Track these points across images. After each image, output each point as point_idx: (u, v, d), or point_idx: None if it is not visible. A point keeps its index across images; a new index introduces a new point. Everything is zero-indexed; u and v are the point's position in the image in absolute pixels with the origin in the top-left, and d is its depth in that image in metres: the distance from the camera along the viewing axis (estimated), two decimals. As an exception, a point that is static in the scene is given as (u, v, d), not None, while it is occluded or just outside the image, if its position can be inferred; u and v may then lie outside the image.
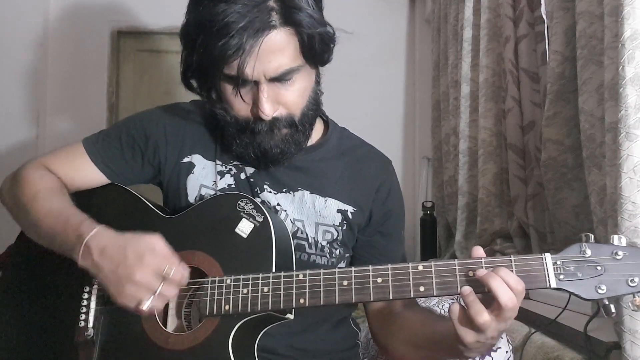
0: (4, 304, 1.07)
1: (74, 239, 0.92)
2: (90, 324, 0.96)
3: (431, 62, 2.91)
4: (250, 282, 0.89)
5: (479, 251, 0.83)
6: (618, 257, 0.77)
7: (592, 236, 0.80)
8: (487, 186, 2.04)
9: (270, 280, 0.88)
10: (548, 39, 1.64)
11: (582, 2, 1.30)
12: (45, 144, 2.94)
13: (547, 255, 0.79)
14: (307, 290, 0.86)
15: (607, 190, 1.13)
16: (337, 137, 1.14)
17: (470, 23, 2.22)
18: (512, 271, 0.78)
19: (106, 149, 1.09)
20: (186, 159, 1.08)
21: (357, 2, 3.12)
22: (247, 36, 0.87)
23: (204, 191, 1.06)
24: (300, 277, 0.87)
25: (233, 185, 1.06)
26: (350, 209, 1.08)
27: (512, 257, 0.80)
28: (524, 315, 1.36)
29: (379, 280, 0.84)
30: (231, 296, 0.89)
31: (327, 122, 1.14)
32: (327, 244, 1.06)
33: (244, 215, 0.95)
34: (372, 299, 0.84)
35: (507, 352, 0.99)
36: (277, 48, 0.90)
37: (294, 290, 0.87)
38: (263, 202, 1.04)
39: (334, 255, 1.07)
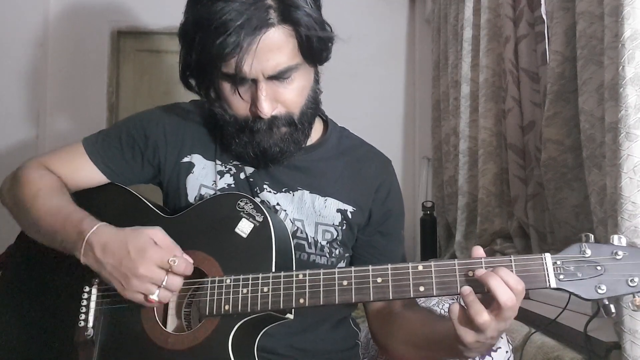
0: (4, 304, 1.07)
1: (75, 236, 0.92)
2: (90, 324, 0.96)
3: (431, 62, 2.91)
4: (250, 282, 0.89)
5: (478, 251, 0.83)
6: (618, 257, 0.77)
7: (592, 236, 0.80)
8: (487, 186, 2.04)
9: (270, 280, 0.88)
10: (548, 39, 1.64)
11: (582, 2, 1.30)
12: (45, 144, 2.94)
13: (547, 255, 0.79)
14: (307, 290, 0.86)
15: (607, 190, 1.13)
16: (336, 137, 1.14)
17: (470, 23, 2.23)
18: (512, 271, 0.78)
19: (106, 149, 1.09)
20: (186, 159, 1.08)
21: (357, 2, 3.12)
22: (244, 34, 0.87)
23: (203, 191, 1.06)
24: (300, 277, 0.87)
25: (233, 185, 1.06)
26: (349, 208, 1.08)
27: (512, 257, 0.80)
28: (524, 315, 1.36)
29: (379, 280, 0.84)
30: (231, 296, 0.89)
31: (326, 121, 1.14)
32: (326, 243, 1.06)
33: (244, 215, 0.95)
34: (371, 299, 0.84)
35: (507, 352, 0.99)
36: (275, 46, 0.90)
37: (294, 290, 0.87)
38: (263, 201, 1.04)
39: (333, 255, 1.07)
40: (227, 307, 0.89)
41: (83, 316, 0.97)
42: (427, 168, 3.06)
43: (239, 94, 0.94)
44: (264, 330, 0.94)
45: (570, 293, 0.78)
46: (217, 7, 0.87)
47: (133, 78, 3.16)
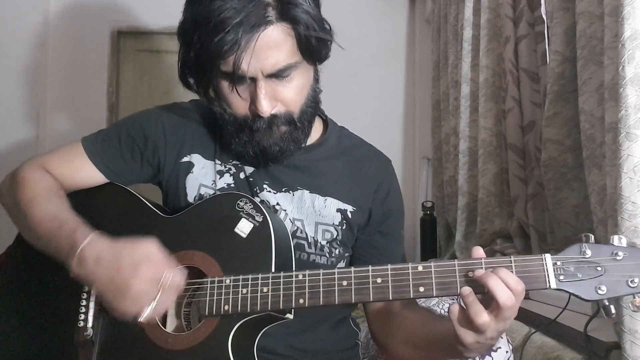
0: (4, 305, 1.07)
1: (68, 247, 0.90)
2: (90, 324, 0.96)
3: (431, 62, 2.91)
4: (250, 282, 0.89)
5: (478, 251, 0.82)
6: (618, 258, 0.77)
7: (592, 236, 0.80)
8: (487, 186, 2.04)
9: (270, 281, 0.88)
10: (548, 39, 1.64)
11: (582, 2, 1.30)
12: (45, 144, 2.94)
13: (547, 256, 0.79)
14: (307, 290, 0.86)
15: (607, 190, 1.12)
16: (336, 136, 1.14)
17: (470, 23, 2.23)
18: (512, 272, 0.78)
19: (105, 148, 1.09)
20: (185, 159, 1.08)
21: (357, 2, 3.13)
22: (242, 31, 0.86)
23: (203, 191, 1.06)
24: (300, 277, 0.87)
25: (232, 185, 1.06)
26: (349, 208, 1.08)
27: (512, 258, 0.80)
28: (524, 315, 1.36)
29: (379, 280, 0.84)
30: (230, 296, 0.89)
31: (326, 121, 1.14)
32: (326, 243, 1.06)
33: (244, 215, 0.95)
34: (371, 299, 0.84)
35: (507, 352, 0.99)
36: (274, 44, 0.89)
37: (294, 291, 0.87)
38: (262, 201, 1.04)
39: (333, 255, 1.07)
40: (226, 307, 0.89)
41: (82, 316, 0.97)
42: (427, 168, 3.06)
43: (237, 91, 0.93)
44: (263, 331, 0.94)
45: (571, 294, 0.78)
46: (215, 4, 0.87)
47: (133, 78, 3.16)
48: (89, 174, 1.08)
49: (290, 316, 0.91)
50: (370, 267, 0.85)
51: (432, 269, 0.82)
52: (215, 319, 0.90)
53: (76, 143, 1.11)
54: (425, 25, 3.14)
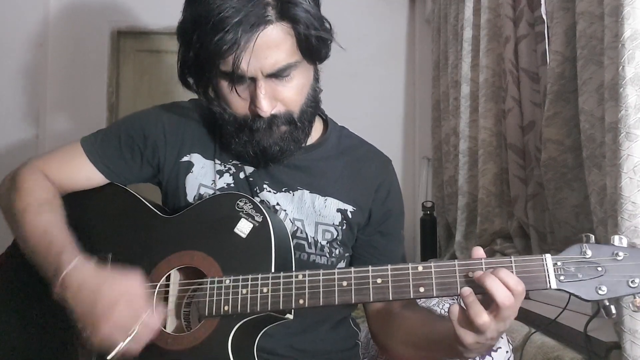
0: (4, 305, 1.07)
1: (53, 269, 0.90)
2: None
3: (431, 62, 2.91)
4: (250, 282, 0.89)
5: (479, 252, 0.82)
6: (619, 258, 0.77)
7: (592, 237, 0.80)
8: (487, 186, 2.04)
9: (270, 281, 0.88)
10: (548, 39, 1.64)
11: (582, 2, 1.30)
12: (45, 144, 2.94)
13: (548, 256, 0.79)
14: (307, 290, 0.86)
15: (607, 190, 1.12)
16: (336, 136, 1.13)
17: (470, 23, 2.22)
18: (512, 272, 0.78)
19: (105, 148, 1.09)
20: (185, 158, 1.08)
21: (357, 2, 3.12)
22: (242, 31, 0.86)
23: (203, 190, 1.06)
24: (300, 277, 0.87)
25: (232, 185, 1.06)
26: (350, 208, 1.08)
27: (512, 258, 0.80)
28: (524, 315, 1.36)
29: (379, 280, 0.84)
30: (230, 297, 0.89)
31: (326, 121, 1.14)
32: (326, 243, 1.06)
33: (243, 215, 0.95)
34: (371, 299, 0.84)
35: (507, 352, 0.99)
36: (274, 43, 0.89)
37: (294, 291, 0.86)
38: (262, 201, 1.04)
39: (333, 255, 1.07)
40: (226, 308, 0.89)
41: (82, 316, 0.97)
42: (427, 168, 3.06)
43: (237, 91, 0.93)
44: (263, 331, 0.94)
45: (571, 294, 0.78)
46: (214, 4, 0.87)
47: (133, 78, 3.16)
48: (88, 174, 1.08)
49: (290, 316, 0.91)
50: (370, 268, 0.84)
51: (432, 269, 0.82)
52: (215, 320, 0.90)
53: (75, 143, 1.10)
54: (425, 25, 3.14)
